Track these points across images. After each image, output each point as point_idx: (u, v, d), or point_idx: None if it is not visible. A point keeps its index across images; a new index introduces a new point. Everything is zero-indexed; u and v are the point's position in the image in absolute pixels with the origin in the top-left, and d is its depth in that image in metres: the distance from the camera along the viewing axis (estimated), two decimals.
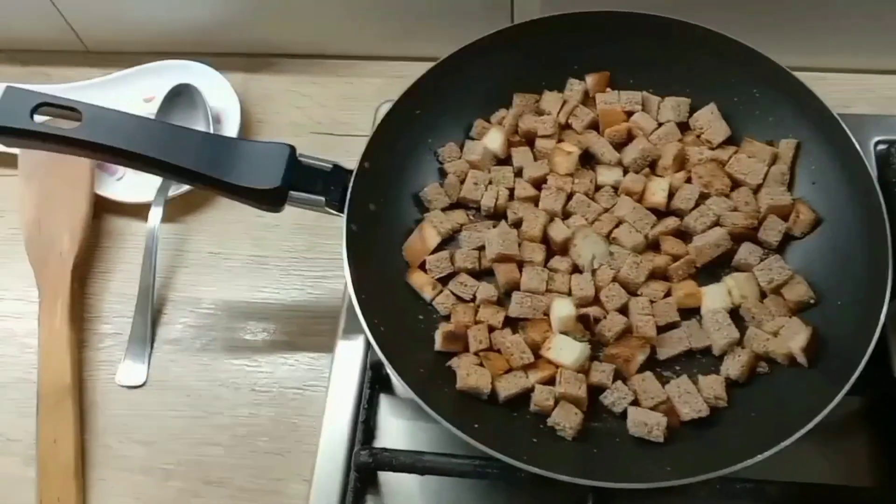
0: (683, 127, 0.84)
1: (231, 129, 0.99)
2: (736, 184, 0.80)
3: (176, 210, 0.96)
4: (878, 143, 0.90)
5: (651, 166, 0.82)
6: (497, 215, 0.82)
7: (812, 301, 0.74)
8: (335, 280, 0.91)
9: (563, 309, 0.73)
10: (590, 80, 0.86)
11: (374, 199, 0.79)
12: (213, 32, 1.03)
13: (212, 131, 0.96)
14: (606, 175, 0.82)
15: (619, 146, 0.84)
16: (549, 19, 0.83)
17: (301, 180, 0.74)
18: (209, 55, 1.05)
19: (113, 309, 0.92)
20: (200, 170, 0.72)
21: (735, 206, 0.79)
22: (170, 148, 0.71)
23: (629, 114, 0.85)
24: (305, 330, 0.89)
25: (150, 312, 0.89)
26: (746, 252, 0.77)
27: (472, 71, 0.84)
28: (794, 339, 0.70)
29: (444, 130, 0.86)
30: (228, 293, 0.92)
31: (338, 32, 1.03)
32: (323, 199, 0.75)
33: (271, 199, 0.73)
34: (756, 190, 0.79)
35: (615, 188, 0.82)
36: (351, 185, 0.75)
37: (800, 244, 0.78)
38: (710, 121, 0.82)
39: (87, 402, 0.86)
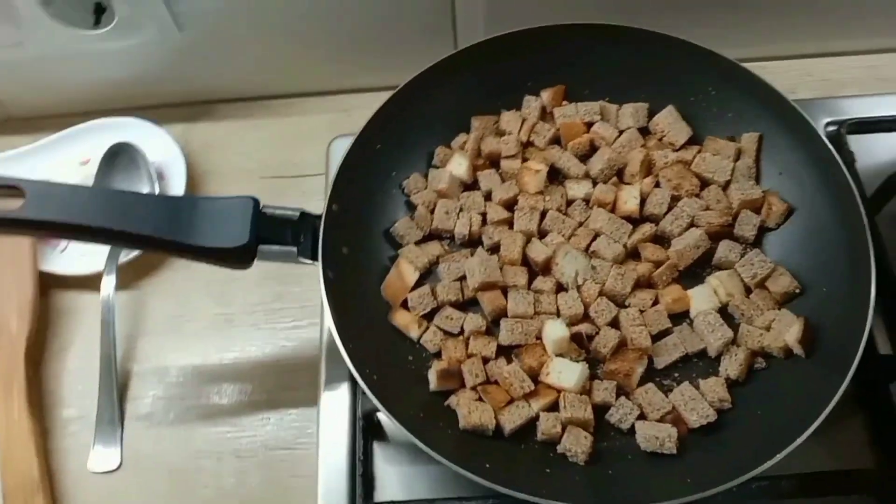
0: (644, 132, 0.84)
1: (177, 183, 0.94)
2: (705, 183, 0.80)
3: (129, 276, 0.91)
4: (826, 125, 0.92)
5: (618, 175, 0.82)
6: (473, 242, 0.80)
7: (798, 291, 0.74)
8: (309, 328, 0.87)
9: (555, 331, 0.71)
10: (545, 95, 0.85)
11: (346, 241, 0.76)
12: (146, 85, 0.99)
13: (156, 189, 0.92)
14: (576, 189, 0.81)
15: (584, 158, 0.83)
16: (494, 40, 0.82)
17: (269, 233, 0.70)
18: (145, 108, 1.01)
19: (74, 390, 0.86)
20: (162, 235, 0.67)
21: (707, 204, 0.79)
22: (126, 216, 0.67)
23: (589, 125, 0.84)
24: (284, 385, 0.85)
25: (116, 389, 0.84)
26: (726, 249, 0.76)
27: (427, 100, 0.82)
28: (787, 331, 0.70)
29: (407, 162, 0.84)
30: (197, 357, 0.87)
31: (278, 72, 1.00)
32: (294, 249, 0.71)
33: (240, 257, 0.70)
34: (725, 187, 0.80)
35: (587, 201, 0.81)
36: (321, 230, 0.72)
37: (776, 235, 0.79)
38: (670, 123, 0.82)
39: (60, 495, 0.80)
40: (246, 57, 0.96)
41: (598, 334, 0.73)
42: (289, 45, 0.95)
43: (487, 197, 0.82)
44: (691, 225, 0.78)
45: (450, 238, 0.81)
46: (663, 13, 0.92)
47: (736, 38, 0.96)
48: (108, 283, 0.87)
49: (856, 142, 0.89)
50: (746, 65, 0.99)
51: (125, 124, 0.98)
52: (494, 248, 0.79)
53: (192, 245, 0.68)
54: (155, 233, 0.68)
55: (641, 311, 0.74)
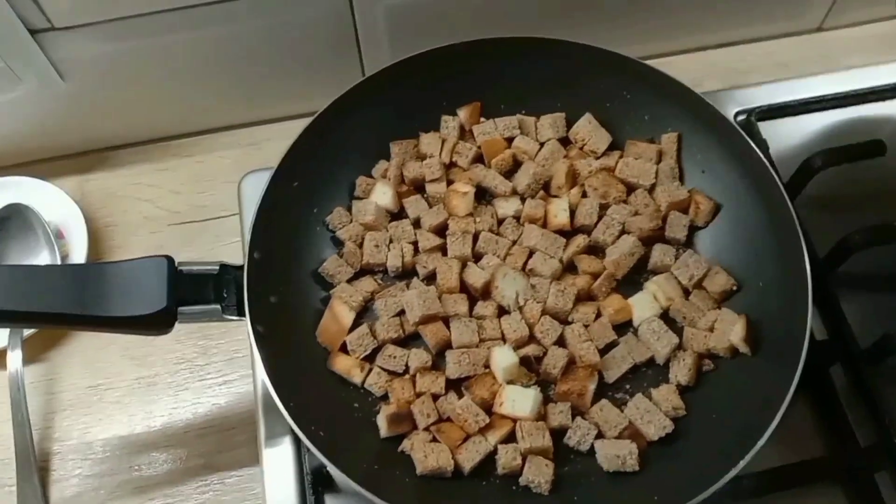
0: (565, 142, 0.83)
1: (78, 241, 0.87)
2: (630, 188, 0.80)
3: (37, 348, 0.84)
4: (736, 114, 0.93)
5: (545, 188, 0.80)
6: (407, 273, 0.77)
7: (735, 288, 0.74)
8: (240, 382, 0.82)
9: (504, 358, 0.69)
10: (462, 113, 0.83)
11: (273, 290, 0.71)
12: (33, 138, 0.91)
13: (57, 251, 0.85)
14: (505, 207, 0.79)
15: (509, 174, 0.81)
16: (400, 63, 0.79)
17: (188, 293, 0.65)
18: (34, 163, 0.94)
19: None
20: (69, 310, 0.62)
21: (636, 210, 0.78)
22: (29, 295, 0.61)
23: (509, 140, 0.83)
24: (221, 446, 0.79)
25: (36, 473, 0.77)
26: (660, 254, 0.76)
27: (341, 130, 0.78)
28: (731, 330, 0.70)
29: (328, 196, 0.80)
30: (122, 427, 0.81)
31: (176, 111, 0.94)
32: (218, 306, 0.66)
33: (159, 323, 0.64)
34: (651, 190, 0.79)
35: (517, 218, 0.79)
36: (245, 282, 0.68)
37: (707, 233, 0.79)
38: (589, 131, 0.82)
39: None
40: (139, 99, 0.90)
41: (545, 355, 0.71)
42: (184, 82, 0.90)
43: (416, 224, 0.79)
44: (623, 232, 0.77)
45: (383, 272, 0.78)
46: (564, 19, 0.91)
47: (638, 37, 0.98)
48: (14, 358, 0.80)
49: (766, 128, 0.91)
50: (652, 62, 1.00)
51: (13, 184, 0.90)
52: (430, 277, 0.76)
53: (105, 317, 0.63)
54: (63, 309, 0.62)
55: (586, 326, 0.73)
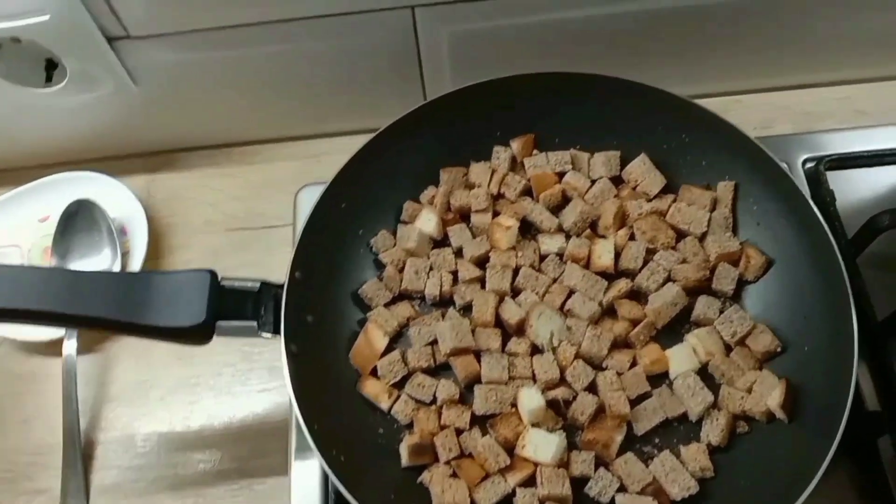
0: (617, 181, 0.82)
1: (139, 239, 0.91)
2: (680, 234, 0.78)
3: (91, 339, 0.88)
4: (805, 161, 0.90)
5: (592, 226, 0.79)
6: (444, 301, 0.77)
7: (779, 349, 0.72)
8: (277, 392, 0.84)
9: (531, 401, 0.69)
10: (515, 144, 0.83)
11: (310, 309, 0.73)
12: (105, 137, 0.95)
13: (118, 246, 0.89)
14: (549, 243, 0.78)
15: (556, 209, 0.81)
16: (463, 91, 0.79)
17: (227, 308, 0.67)
18: (105, 159, 0.98)
19: (37, 463, 0.82)
20: (114, 316, 0.64)
21: (684, 257, 0.76)
22: (79, 299, 0.64)
23: (560, 175, 0.82)
24: (255, 452, 0.81)
25: (80, 460, 0.80)
26: (704, 306, 0.74)
27: (393, 154, 0.79)
28: (769, 395, 0.68)
29: (374, 219, 0.81)
30: (163, 425, 0.84)
31: (242, 119, 0.97)
32: (254, 323, 0.68)
33: (197, 335, 0.66)
34: (702, 238, 0.77)
35: (560, 255, 0.78)
36: (284, 301, 0.69)
37: (755, 288, 0.77)
38: (643, 172, 0.80)
39: None
40: (207, 106, 0.93)
41: (575, 399, 0.71)
42: (252, 93, 0.92)
43: (458, 253, 0.79)
44: (668, 280, 0.75)
45: (420, 298, 0.78)
46: (633, 53, 0.89)
47: (710, 74, 0.95)
48: (69, 347, 0.84)
49: (836, 178, 0.88)
50: (722, 99, 0.98)
51: (84, 179, 0.94)
52: (467, 308, 0.76)
53: (147, 325, 0.65)
54: (109, 314, 0.65)
55: (619, 374, 0.72)
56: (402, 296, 0.79)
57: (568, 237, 0.79)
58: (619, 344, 0.74)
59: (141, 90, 0.88)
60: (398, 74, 0.90)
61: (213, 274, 0.68)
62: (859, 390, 0.74)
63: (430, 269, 0.78)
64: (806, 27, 0.89)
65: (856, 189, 0.89)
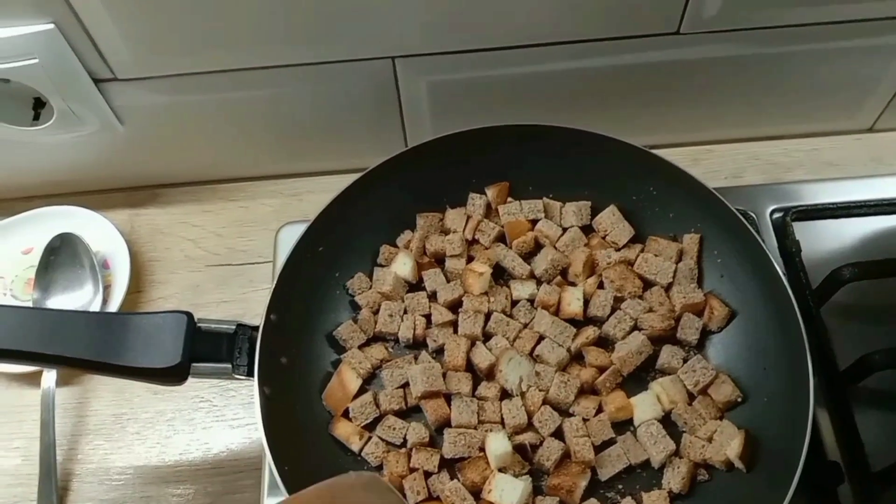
0: (588, 230, 0.84)
1: (121, 273, 0.93)
2: (647, 283, 0.80)
3: (70, 372, 0.88)
4: (773, 211, 0.92)
5: (563, 274, 0.81)
6: (417, 344, 0.79)
7: (739, 399, 0.74)
8: (252, 428, 0.85)
9: (498, 446, 0.70)
10: (490, 192, 0.85)
11: (285, 351, 0.75)
12: (90, 172, 0.97)
13: (100, 280, 0.90)
14: (521, 289, 0.81)
15: (528, 256, 0.83)
16: (443, 139, 0.81)
17: (203, 350, 0.69)
18: (89, 193, 0.99)
19: (12, 494, 0.83)
20: (91, 357, 0.66)
21: (650, 306, 0.78)
22: (54, 339, 0.65)
23: (533, 222, 0.84)
24: (228, 488, 0.83)
25: (56, 492, 0.81)
26: (669, 355, 0.76)
27: (371, 199, 0.81)
28: (729, 445, 0.70)
29: (351, 262, 0.83)
30: (139, 458, 0.85)
31: (226, 157, 0.99)
32: (229, 365, 0.70)
33: (172, 377, 0.68)
34: (668, 288, 0.80)
35: (531, 301, 0.80)
36: (259, 344, 0.71)
37: (719, 338, 0.79)
38: (612, 223, 0.82)
39: None
40: (191, 145, 0.95)
41: (541, 445, 0.72)
42: (235, 133, 0.94)
43: (433, 297, 0.81)
44: (635, 328, 0.77)
45: (395, 340, 0.80)
46: (606, 105, 0.92)
47: (682, 125, 0.98)
48: (48, 379, 0.85)
49: (802, 229, 0.90)
50: (694, 148, 1.01)
51: (68, 213, 0.96)
52: (439, 352, 0.78)
53: (123, 366, 0.67)
54: (86, 355, 0.66)
55: (585, 420, 0.74)
56: (377, 338, 0.80)
57: (539, 283, 0.81)
58: (586, 390, 0.76)
59: (126, 129, 0.90)
60: (380, 118, 0.93)
61: (189, 316, 0.69)
62: (820, 440, 0.76)
63: (405, 311, 0.80)
64: (776, 79, 0.92)
65: (822, 239, 0.91)
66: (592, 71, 0.87)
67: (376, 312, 0.80)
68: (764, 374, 0.74)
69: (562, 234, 0.83)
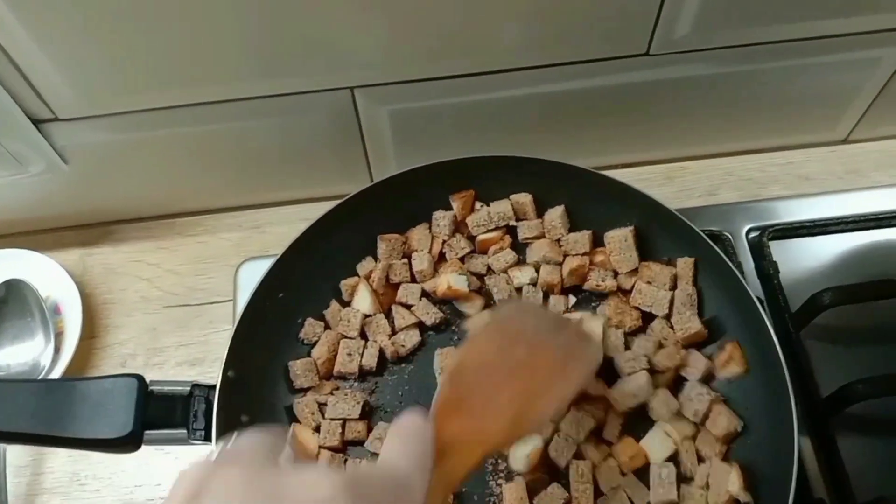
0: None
1: (73, 317, 0.88)
2: (645, 315, 0.78)
3: None
4: (749, 231, 0.90)
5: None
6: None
7: (739, 429, 0.71)
8: None
9: None
10: (456, 203, 0.82)
11: (246, 409, 0.70)
12: (37, 212, 0.92)
13: (51, 328, 0.86)
14: (520, 276, 0.80)
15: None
16: (410, 173, 0.78)
17: (156, 415, 0.65)
18: (36, 233, 0.95)
19: None
20: (35, 431, 0.62)
21: (658, 340, 0.76)
22: None
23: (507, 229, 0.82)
24: None
25: None
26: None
27: (332, 239, 0.77)
28: (727, 481, 0.67)
29: (313, 305, 0.79)
30: None
31: (181, 191, 0.94)
32: (184, 431, 0.66)
33: (125, 446, 0.64)
34: (668, 317, 0.77)
35: (534, 284, 0.80)
36: (216, 405, 0.67)
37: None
38: (622, 247, 0.78)
39: None
40: (143, 181, 0.91)
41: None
42: (190, 167, 0.90)
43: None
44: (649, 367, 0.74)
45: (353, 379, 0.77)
46: (577, 125, 0.89)
47: (656, 143, 0.95)
48: None
49: (779, 248, 0.88)
50: (668, 165, 0.98)
51: (14, 256, 0.91)
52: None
53: (71, 438, 0.63)
54: (30, 429, 0.62)
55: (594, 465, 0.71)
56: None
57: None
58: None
59: (72, 168, 0.85)
60: (341, 148, 0.89)
61: (140, 379, 0.65)
62: (806, 475, 0.74)
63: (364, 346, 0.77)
64: (748, 95, 0.89)
65: (800, 258, 0.89)
66: (561, 94, 0.83)
67: (335, 355, 0.76)
68: (749, 405, 0.72)
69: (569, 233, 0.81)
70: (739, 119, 0.94)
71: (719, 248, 0.77)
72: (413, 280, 0.80)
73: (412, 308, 0.78)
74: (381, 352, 0.77)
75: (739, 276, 0.73)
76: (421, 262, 0.79)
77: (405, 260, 0.81)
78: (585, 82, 0.82)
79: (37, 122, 0.78)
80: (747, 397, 0.73)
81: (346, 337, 0.77)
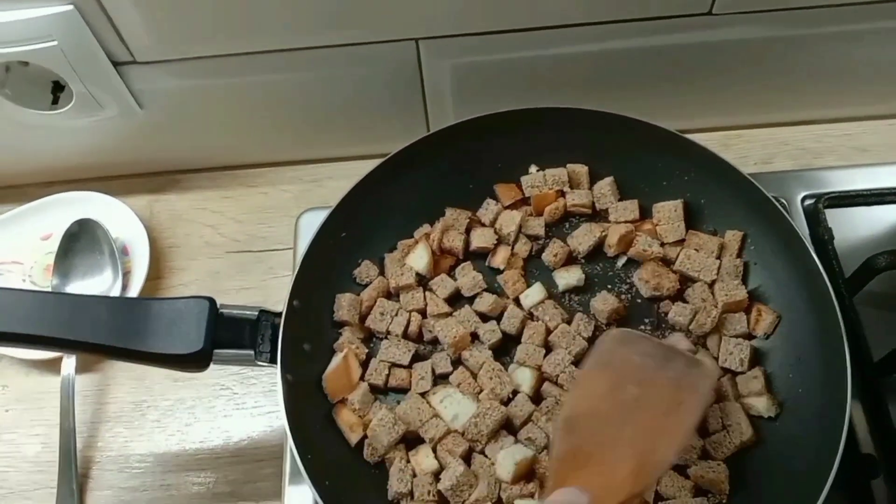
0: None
1: (140, 259, 0.92)
2: (683, 280, 0.79)
3: (90, 359, 0.88)
4: (804, 198, 0.90)
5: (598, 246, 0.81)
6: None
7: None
8: (273, 416, 0.84)
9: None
10: (500, 190, 0.84)
11: (307, 338, 0.73)
12: (109, 157, 0.96)
13: (119, 266, 0.90)
14: (567, 277, 0.80)
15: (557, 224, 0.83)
16: (467, 123, 0.80)
17: (225, 336, 0.68)
18: (109, 178, 0.98)
19: (32, 481, 0.83)
20: (112, 343, 0.65)
21: (694, 307, 0.76)
22: (75, 324, 0.64)
23: (559, 194, 0.84)
24: (249, 476, 0.82)
25: (76, 479, 0.81)
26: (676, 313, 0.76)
27: (395, 184, 0.80)
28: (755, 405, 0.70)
29: (373, 247, 0.81)
30: (158, 446, 0.84)
31: (246, 143, 0.98)
32: (252, 352, 0.69)
33: (194, 363, 0.67)
34: (711, 285, 0.78)
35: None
36: (282, 330, 0.70)
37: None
38: (670, 217, 0.80)
39: None
40: (211, 130, 0.94)
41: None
42: (255, 118, 0.93)
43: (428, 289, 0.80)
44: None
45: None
46: (636, 87, 0.90)
47: (712, 109, 0.95)
48: (68, 366, 0.85)
49: (834, 216, 0.88)
50: (724, 133, 0.98)
51: (87, 198, 0.95)
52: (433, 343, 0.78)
53: (144, 352, 0.66)
54: (107, 341, 0.65)
55: None
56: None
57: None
58: None
59: (145, 113, 0.89)
60: (402, 103, 0.91)
61: (211, 302, 0.68)
62: (854, 432, 0.74)
63: (397, 313, 0.78)
64: (808, 63, 0.90)
65: (855, 227, 0.89)
66: (621, 53, 0.85)
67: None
68: (797, 364, 0.72)
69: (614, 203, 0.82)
70: (797, 87, 0.94)
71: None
72: (466, 249, 0.82)
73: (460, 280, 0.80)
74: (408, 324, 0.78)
75: (799, 230, 0.74)
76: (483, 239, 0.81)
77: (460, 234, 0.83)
78: (644, 41, 0.84)
79: (116, 65, 0.82)
80: (802, 372, 0.73)
81: (390, 295, 0.80)
